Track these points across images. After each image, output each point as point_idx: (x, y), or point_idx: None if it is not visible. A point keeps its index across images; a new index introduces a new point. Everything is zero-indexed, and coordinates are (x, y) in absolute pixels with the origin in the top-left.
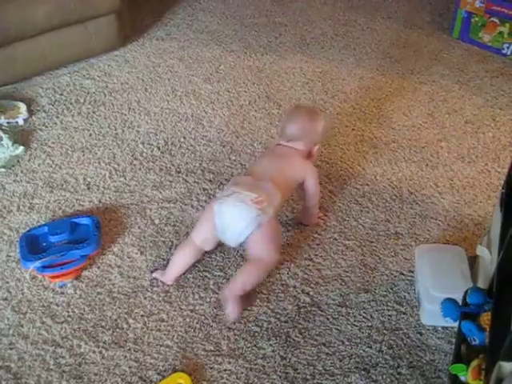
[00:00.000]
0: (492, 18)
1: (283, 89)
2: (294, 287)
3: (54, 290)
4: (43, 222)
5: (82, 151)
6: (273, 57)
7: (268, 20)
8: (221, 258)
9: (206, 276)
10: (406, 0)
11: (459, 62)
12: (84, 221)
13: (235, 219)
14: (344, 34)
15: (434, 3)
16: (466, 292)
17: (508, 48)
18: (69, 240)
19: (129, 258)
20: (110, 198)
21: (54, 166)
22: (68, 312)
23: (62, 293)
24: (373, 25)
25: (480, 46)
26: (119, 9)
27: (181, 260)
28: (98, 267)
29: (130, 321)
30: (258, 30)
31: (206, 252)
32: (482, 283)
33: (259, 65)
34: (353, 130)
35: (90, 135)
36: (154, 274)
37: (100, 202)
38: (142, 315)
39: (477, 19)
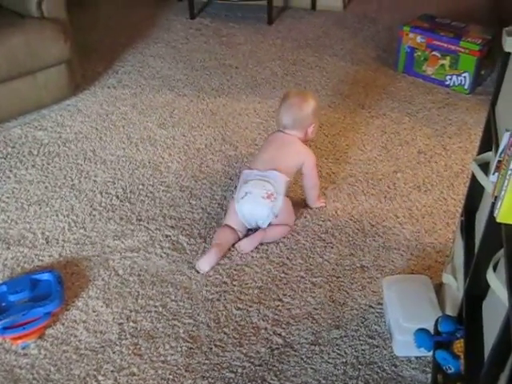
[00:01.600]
0: (433, 52)
1: (238, 130)
2: (266, 329)
3: (16, 353)
4: (1, 281)
5: (39, 204)
6: (226, 99)
7: (218, 63)
8: (189, 305)
9: (175, 325)
10: (351, 38)
11: (406, 94)
12: (45, 276)
13: (254, 216)
14: (294, 73)
15: (377, 40)
16: (436, 321)
17: (450, 79)
18: (30, 298)
19: (94, 311)
20: (70, 251)
21: (9, 221)
22: (33, 374)
23: (26, 354)
24: (321, 63)
25: (424, 78)
26: (69, 58)
27: (224, 237)
28: (63, 324)
29: (100, 378)
30: (209, 74)
31: (173, 300)
32: (451, 310)
33: (213, 108)
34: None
35: (46, 187)
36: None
37: (60, 255)
38: (112, 371)
39: (419, 53)
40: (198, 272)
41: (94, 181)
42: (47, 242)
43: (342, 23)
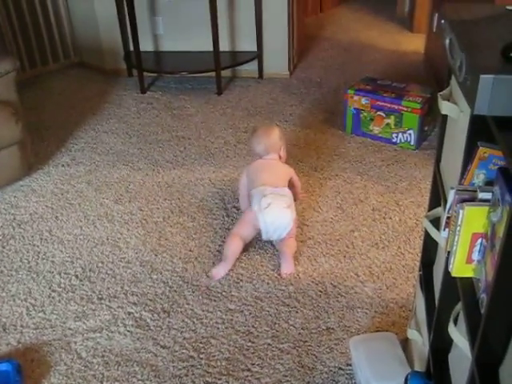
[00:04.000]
0: (378, 112)
1: (195, 201)
2: None
3: None
4: None
5: None
6: (180, 170)
7: (171, 135)
8: (156, 383)
9: None
10: (299, 103)
11: (357, 154)
12: (2, 367)
13: (277, 224)
14: (246, 141)
15: (324, 103)
16: (406, 377)
17: (397, 137)
18: None
19: None
20: (29, 336)
21: None
22: None
23: None
24: None
25: (372, 137)
26: (21, 139)
27: (234, 248)
28: None
29: None
30: (162, 146)
31: (139, 379)
32: (419, 365)
33: (168, 180)
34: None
35: (2, 271)
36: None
37: (19, 342)
38: None
39: (365, 114)
40: (163, 348)
41: (52, 261)
42: (4, 330)
43: (289, 89)
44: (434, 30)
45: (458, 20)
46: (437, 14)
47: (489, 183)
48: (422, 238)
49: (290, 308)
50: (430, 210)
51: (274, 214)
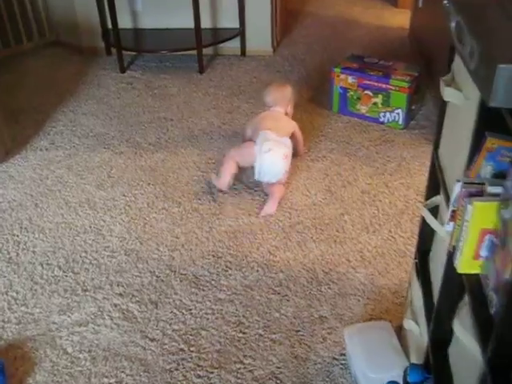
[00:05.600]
0: (365, 91)
1: (180, 185)
2: None
3: None
4: None
5: None
6: (164, 154)
7: (153, 116)
8: (146, 378)
9: None
10: (284, 81)
11: (344, 134)
12: None
13: (274, 170)
14: (230, 122)
15: (309, 81)
16: (405, 371)
17: (384, 116)
18: None
19: None
20: (12, 332)
21: None
22: None
23: None
24: (256, 109)
25: (359, 117)
26: None
27: (228, 170)
28: None
29: None
30: (144, 128)
31: (128, 374)
32: (415, 356)
33: (151, 164)
34: (256, 216)
35: None
36: (212, 179)
37: (1, 339)
38: None
39: (352, 93)
40: (152, 341)
41: (33, 252)
42: None
43: (272, 67)
44: (420, 5)
45: (463, 0)
46: None
47: (497, 175)
48: (413, 221)
49: (281, 296)
50: (427, 198)
51: (272, 161)
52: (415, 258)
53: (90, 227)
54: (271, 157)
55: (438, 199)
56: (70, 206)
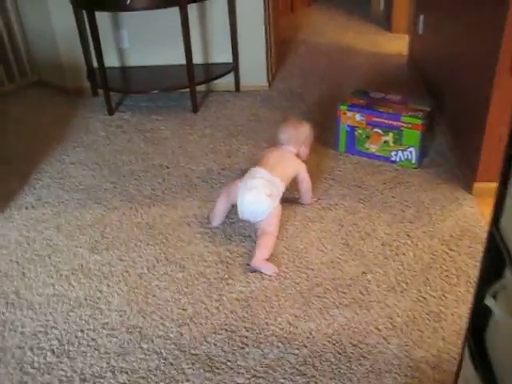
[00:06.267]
0: (375, 129)
1: (182, 245)
2: None
3: None
4: None
5: None
6: (161, 207)
7: (147, 164)
8: None
9: None
10: (282, 119)
11: (355, 177)
12: None
13: (254, 209)
14: (230, 167)
15: (310, 118)
16: None
17: (396, 155)
18: None
19: None
20: None
21: None
22: None
23: None
24: (257, 151)
25: (368, 156)
26: None
27: (218, 206)
28: None
29: None
30: (138, 178)
31: None
32: None
33: (148, 220)
34: (270, 280)
35: None
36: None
37: None
38: None
39: (360, 131)
40: None
41: (22, 333)
42: None
43: (269, 103)
44: (420, 32)
45: None
46: (422, 16)
47: None
48: (442, 276)
49: (307, 378)
50: (483, 280)
51: (252, 199)
52: (466, 339)
53: (86, 300)
54: (252, 195)
55: (504, 283)
56: (62, 274)
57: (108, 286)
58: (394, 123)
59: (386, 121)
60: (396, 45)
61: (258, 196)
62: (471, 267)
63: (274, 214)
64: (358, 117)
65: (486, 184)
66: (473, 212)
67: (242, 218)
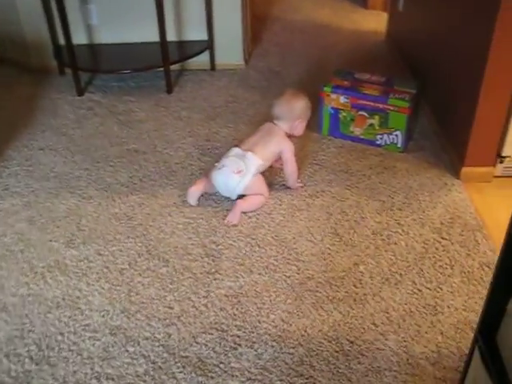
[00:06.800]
0: (360, 112)
1: (164, 237)
2: None
3: None
4: None
5: None
6: (140, 196)
7: (122, 149)
8: None
9: None
10: (262, 99)
11: (340, 162)
12: None
13: (225, 186)
14: (210, 151)
15: None
16: None
17: (381, 139)
18: None
19: None
20: None
21: None
22: None
23: None
24: (237, 134)
25: (353, 139)
26: None
27: (196, 185)
28: None
29: None
30: (113, 165)
31: None
32: None
33: (127, 210)
34: (259, 273)
35: None
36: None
37: None
38: None
39: (345, 114)
40: None
41: None
42: None
43: (247, 82)
44: (401, 9)
45: None
46: None
47: None
48: (435, 266)
49: (304, 379)
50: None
51: (222, 177)
52: (476, 340)
53: (64, 299)
54: (222, 173)
55: None
56: (37, 271)
57: (87, 283)
58: (381, 106)
59: (372, 103)
60: (373, 22)
61: (226, 175)
62: (464, 256)
63: (252, 187)
64: (342, 99)
65: (474, 169)
66: (462, 198)
67: (225, 195)
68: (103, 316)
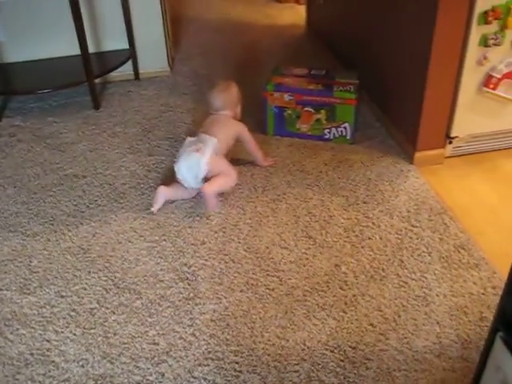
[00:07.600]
0: (306, 108)
1: (129, 266)
2: None
3: None
4: None
5: None
6: (91, 225)
7: (59, 176)
8: None
9: None
10: (196, 105)
11: (293, 161)
12: None
13: (189, 169)
14: (156, 167)
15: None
16: None
17: (329, 132)
18: None
19: None
20: None
21: None
22: None
23: None
24: (179, 145)
25: (300, 137)
26: None
27: (162, 191)
28: None
29: None
30: (53, 194)
31: None
32: None
33: (81, 243)
34: (241, 291)
35: None
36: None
37: None
38: None
39: (290, 112)
40: None
41: None
42: None
43: (176, 89)
44: (322, 1)
45: None
46: None
47: None
48: (414, 256)
49: None
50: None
51: (184, 162)
52: (493, 330)
53: (32, 354)
54: (182, 160)
55: None
56: None
57: (56, 331)
58: (327, 100)
59: (318, 98)
60: (288, 15)
61: (186, 157)
62: (438, 242)
63: (215, 167)
64: (286, 97)
65: (426, 152)
66: (420, 183)
67: (193, 186)
68: (83, 366)
